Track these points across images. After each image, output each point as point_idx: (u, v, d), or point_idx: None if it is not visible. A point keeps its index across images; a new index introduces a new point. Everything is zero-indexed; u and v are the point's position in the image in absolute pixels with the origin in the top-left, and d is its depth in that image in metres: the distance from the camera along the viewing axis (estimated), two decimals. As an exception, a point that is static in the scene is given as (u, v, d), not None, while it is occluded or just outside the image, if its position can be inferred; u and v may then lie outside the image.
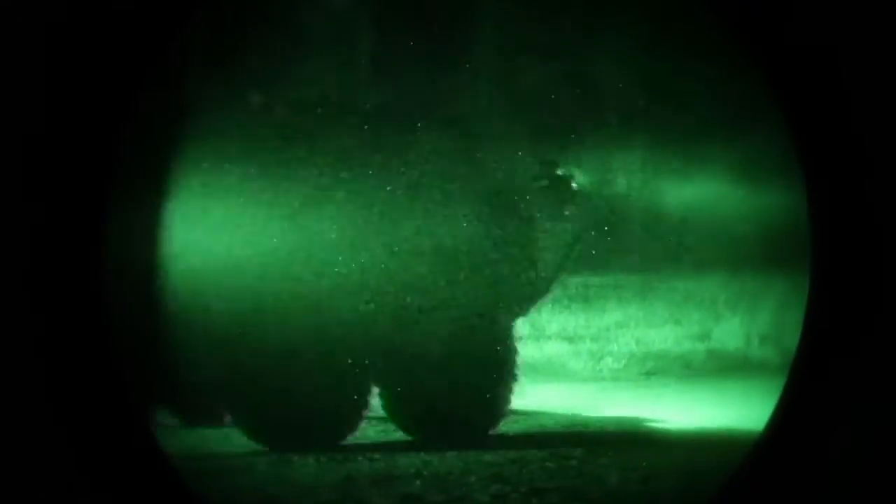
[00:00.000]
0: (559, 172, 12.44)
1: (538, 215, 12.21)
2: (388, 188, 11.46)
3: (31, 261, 6.75)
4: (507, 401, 12.10)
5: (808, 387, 7.33)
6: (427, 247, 11.55)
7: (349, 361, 11.23)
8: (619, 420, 13.00)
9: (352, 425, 11.44)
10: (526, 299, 12.44)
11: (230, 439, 11.06)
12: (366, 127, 11.62)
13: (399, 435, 11.73)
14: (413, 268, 11.48)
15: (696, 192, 14.06)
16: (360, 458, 10.32)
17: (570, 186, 12.43)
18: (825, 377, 7.19)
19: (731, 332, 16.26)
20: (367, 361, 11.33)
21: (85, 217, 7.12)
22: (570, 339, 16.61)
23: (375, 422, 12.33)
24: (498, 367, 12.07)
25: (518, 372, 12.18)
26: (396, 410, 11.88)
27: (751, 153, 13.51)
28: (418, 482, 9.32)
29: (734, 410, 14.03)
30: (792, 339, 7.67)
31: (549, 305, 15.51)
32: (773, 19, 7.12)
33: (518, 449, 10.98)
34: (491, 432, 11.87)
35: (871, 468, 6.87)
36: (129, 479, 7.02)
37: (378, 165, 11.47)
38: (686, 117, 13.21)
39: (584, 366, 16.30)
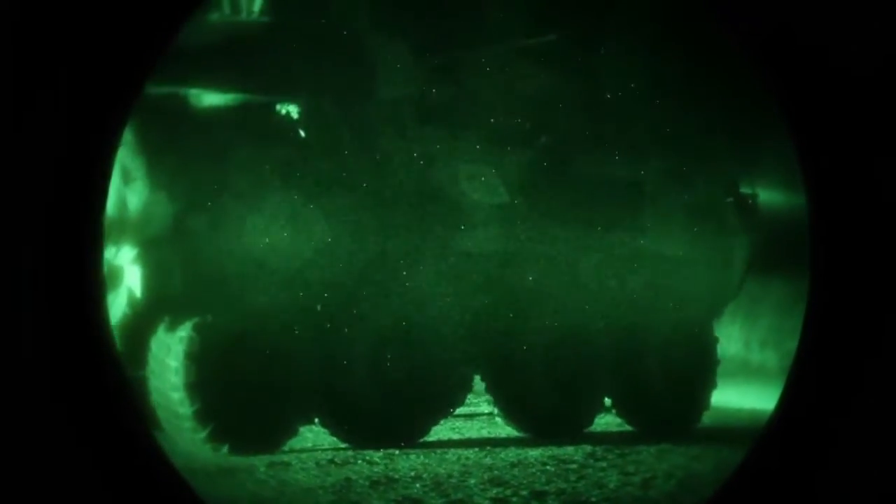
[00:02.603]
0: (742, 190, 13.51)
1: (729, 227, 13.29)
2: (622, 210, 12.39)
3: (38, 261, 6.73)
4: (710, 399, 13.25)
5: (805, 390, 7.32)
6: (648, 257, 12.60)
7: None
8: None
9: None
10: (724, 304, 13.58)
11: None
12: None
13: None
14: (630, 281, 12.45)
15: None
16: (359, 461, 10.29)
17: (752, 202, 13.50)
18: (823, 380, 7.18)
19: (730, 337, 16.24)
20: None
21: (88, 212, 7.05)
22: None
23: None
24: (707, 367, 13.22)
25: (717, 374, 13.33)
26: (624, 407, 12.84)
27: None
28: (418, 485, 9.29)
29: (733, 414, 14.03)
30: (791, 344, 7.69)
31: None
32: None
33: (517, 452, 10.97)
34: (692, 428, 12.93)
35: (868, 469, 6.86)
36: (132, 481, 7.01)
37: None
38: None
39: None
